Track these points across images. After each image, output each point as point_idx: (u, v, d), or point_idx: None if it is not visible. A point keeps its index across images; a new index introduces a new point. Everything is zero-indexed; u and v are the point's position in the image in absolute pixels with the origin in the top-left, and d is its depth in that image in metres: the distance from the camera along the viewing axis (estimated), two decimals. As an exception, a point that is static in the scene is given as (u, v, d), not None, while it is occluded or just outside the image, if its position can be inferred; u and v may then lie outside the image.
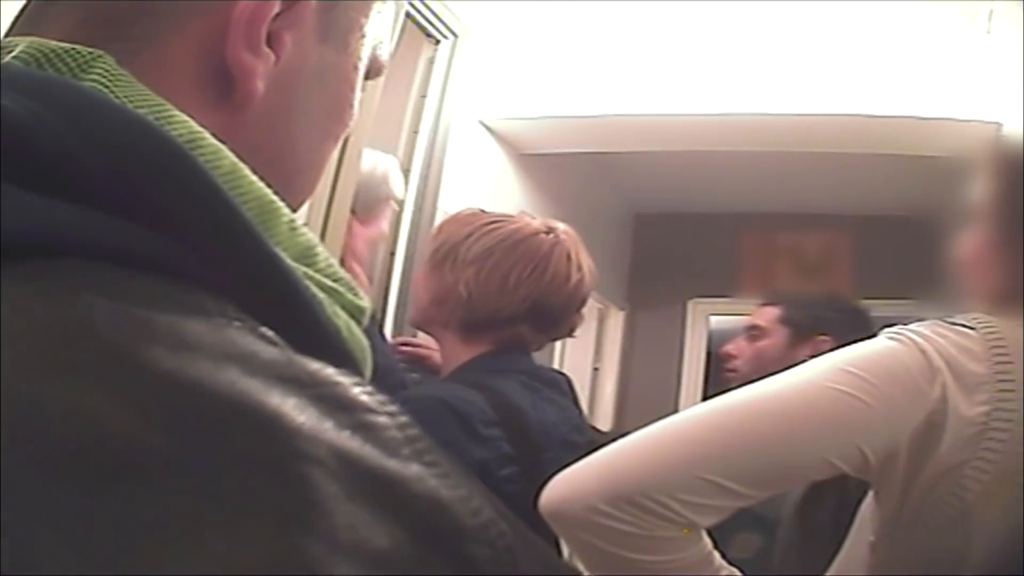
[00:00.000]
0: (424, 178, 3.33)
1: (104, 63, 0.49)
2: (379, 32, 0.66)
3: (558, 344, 4.78)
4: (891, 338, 1.18)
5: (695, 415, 1.17)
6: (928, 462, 1.11)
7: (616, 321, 6.06)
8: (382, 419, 0.36)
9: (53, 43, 0.50)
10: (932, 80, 3.59)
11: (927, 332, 1.16)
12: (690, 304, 6.13)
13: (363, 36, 0.64)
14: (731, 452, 1.12)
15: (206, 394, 0.32)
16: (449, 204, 3.46)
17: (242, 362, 0.35)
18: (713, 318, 6.21)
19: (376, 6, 0.65)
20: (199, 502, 0.29)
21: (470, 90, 3.60)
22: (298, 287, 0.44)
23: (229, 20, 0.53)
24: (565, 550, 1.31)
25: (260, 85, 0.55)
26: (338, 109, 0.64)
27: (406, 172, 3.24)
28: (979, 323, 1.17)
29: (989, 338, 1.14)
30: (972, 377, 1.11)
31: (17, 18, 0.56)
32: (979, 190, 1.26)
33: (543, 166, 4.58)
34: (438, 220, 3.30)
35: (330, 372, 0.37)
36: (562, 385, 1.96)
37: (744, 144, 4.20)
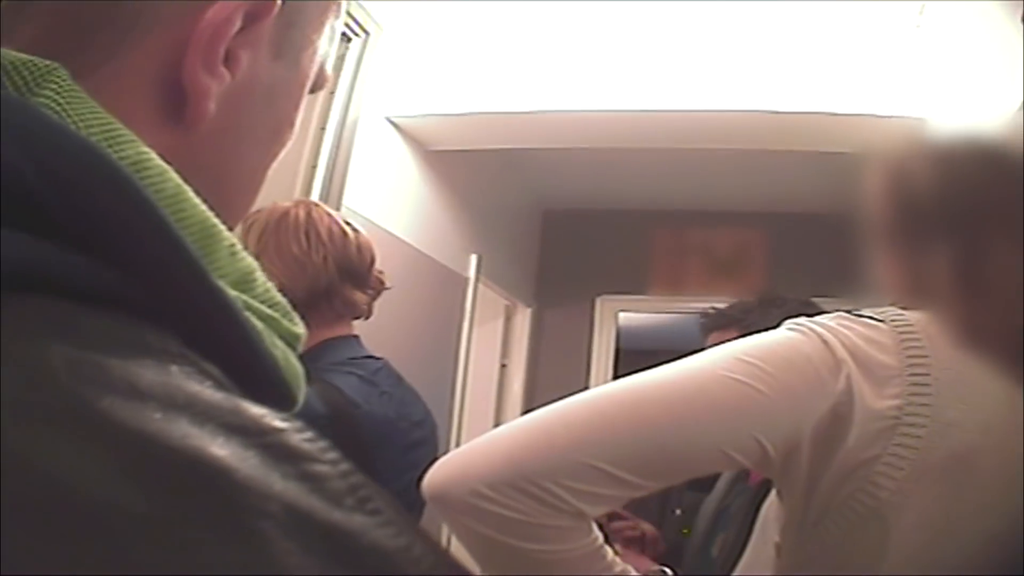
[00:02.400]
0: (330, 175, 3.35)
1: (58, 77, 0.50)
2: (326, 47, 0.67)
3: (463, 340, 4.84)
4: (792, 329, 1.16)
5: (585, 400, 1.14)
6: (834, 457, 1.09)
7: (523, 318, 6.09)
8: (324, 468, 0.37)
9: (13, 54, 0.50)
10: (857, 75, 3.63)
11: (831, 324, 1.15)
12: (599, 301, 6.16)
13: (314, 53, 0.65)
14: (620, 439, 1.09)
15: (160, 447, 0.33)
16: (355, 201, 3.49)
17: (190, 410, 0.35)
18: (622, 315, 6.26)
19: (327, 24, 0.66)
20: (160, 559, 0.29)
21: (378, 87, 3.60)
22: (239, 321, 0.46)
23: (191, 37, 0.54)
24: (445, 535, 1.30)
25: (212, 106, 0.55)
26: (281, 127, 0.65)
27: (312, 169, 3.27)
28: (889, 316, 1.16)
29: (900, 330, 1.13)
30: (881, 369, 1.10)
31: None
32: (914, 181, 1.22)
33: (450, 163, 4.58)
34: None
35: (273, 419, 0.38)
36: (403, 381, 2.06)
37: (656, 141, 4.22)
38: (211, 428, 0.35)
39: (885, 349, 1.11)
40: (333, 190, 3.36)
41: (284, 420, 0.38)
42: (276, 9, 0.58)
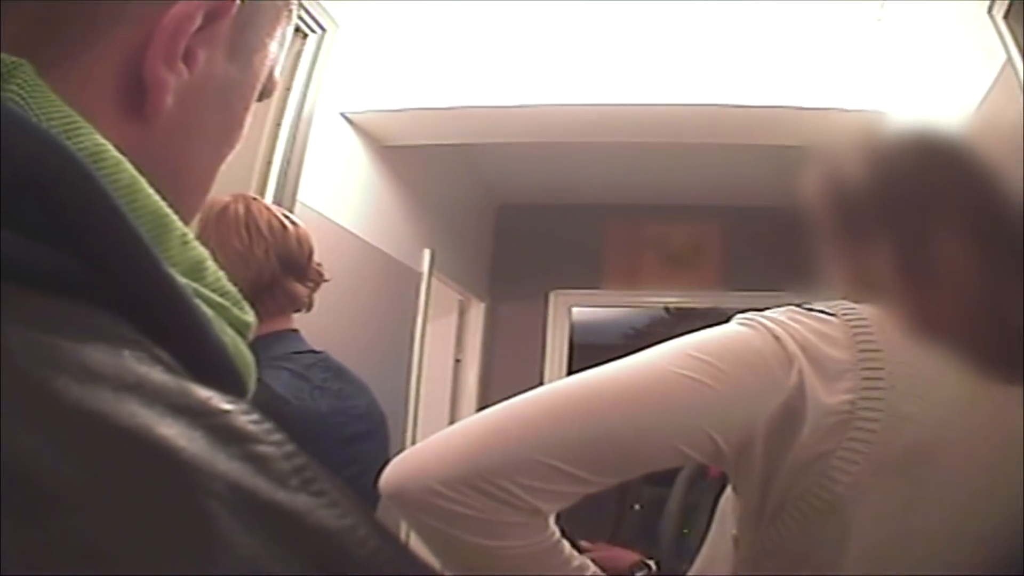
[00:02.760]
0: (284, 171, 3.34)
1: (23, 73, 0.51)
2: (276, 52, 0.69)
3: (417, 335, 4.83)
4: (742, 323, 1.18)
5: (537, 397, 1.15)
6: (789, 451, 1.09)
7: (478, 312, 6.10)
8: (269, 449, 0.38)
9: None
10: (810, 69, 3.65)
11: (781, 318, 1.16)
12: (552, 296, 6.19)
13: (265, 56, 0.67)
14: (571, 436, 1.10)
15: (109, 427, 0.34)
16: (309, 197, 3.49)
17: (139, 391, 0.36)
18: (576, 310, 6.29)
19: (280, 28, 0.68)
20: (113, 537, 0.30)
21: (333, 83, 3.61)
22: (189, 306, 0.46)
23: (153, 32, 0.55)
24: (404, 532, 1.31)
25: (169, 100, 0.57)
26: (232, 128, 0.67)
27: (268, 164, 3.27)
28: (840, 309, 1.16)
29: (852, 324, 1.13)
30: (833, 364, 1.10)
31: None
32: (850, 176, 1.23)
33: (405, 158, 4.58)
34: (298, 213, 3.34)
35: (219, 401, 0.39)
36: (344, 372, 2.08)
37: (610, 134, 4.24)
38: (159, 409, 0.36)
39: (837, 343, 1.12)
40: (288, 185, 3.35)
41: (230, 402, 0.39)
42: (234, 9, 0.59)
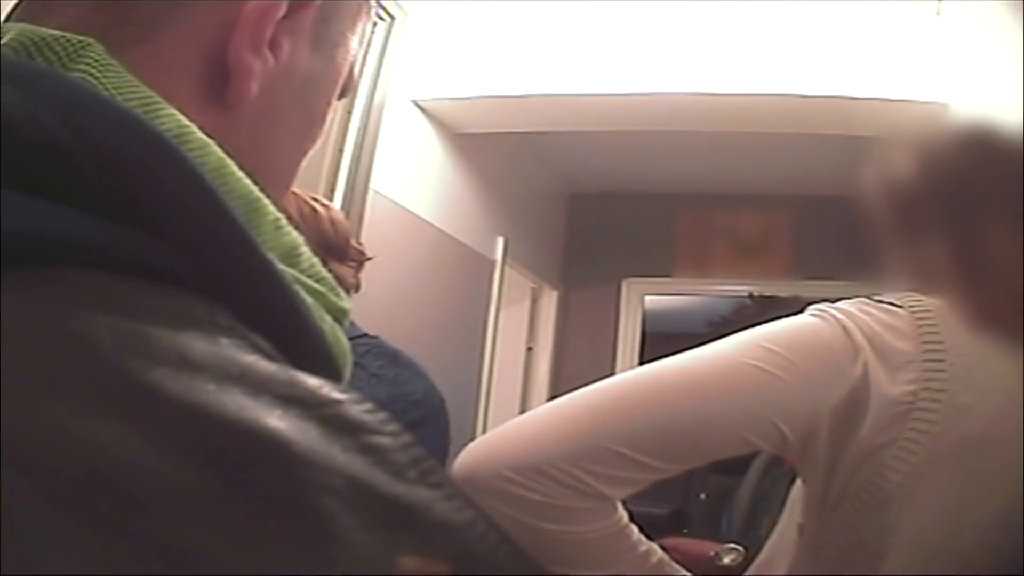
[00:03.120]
0: (356, 159, 3.36)
1: (93, 52, 0.49)
2: (357, 49, 0.67)
3: (490, 323, 4.85)
4: (813, 315, 1.17)
5: (606, 386, 1.16)
6: (851, 441, 1.10)
7: (550, 300, 6.10)
8: (385, 440, 0.36)
9: (43, 31, 0.50)
10: (879, 60, 3.62)
11: (851, 309, 1.16)
12: (625, 284, 6.17)
13: (347, 51, 0.65)
14: (640, 424, 1.11)
15: (214, 421, 0.32)
16: (382, 185, 3.52)
17: (244, 382, 0.34)
18: (648, 298, 6.27)
19: (361, 23, 0.67)
20: (217, 538, 0.29)
21: (404, 70, 3.61)
22: (290, 294, 0.44)
23: (238, 16, 0.54)
24: None
25: (254, 87, 0.56)
26: (314, 122, 0.65)
27: (339, 152, 3.29)
28: (908, 301, 1.15)
29: (918, 316, 1.13)
30: (897, 355, 1.10)
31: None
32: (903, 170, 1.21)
33: (477, 146, 4.59)
34: (370, 201, 3.38)
35: (330, 390, 0.37)
36: (400, 358, 2.04)
37: (681, 123, 4.22)
38: (267, 400, 0.34)
39: (902, 335, 1.12)
40: (360, 173, 3.38)
41: (342, 391, 0.38)
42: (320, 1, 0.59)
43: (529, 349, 5.94)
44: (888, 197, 1.20)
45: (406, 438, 0.37)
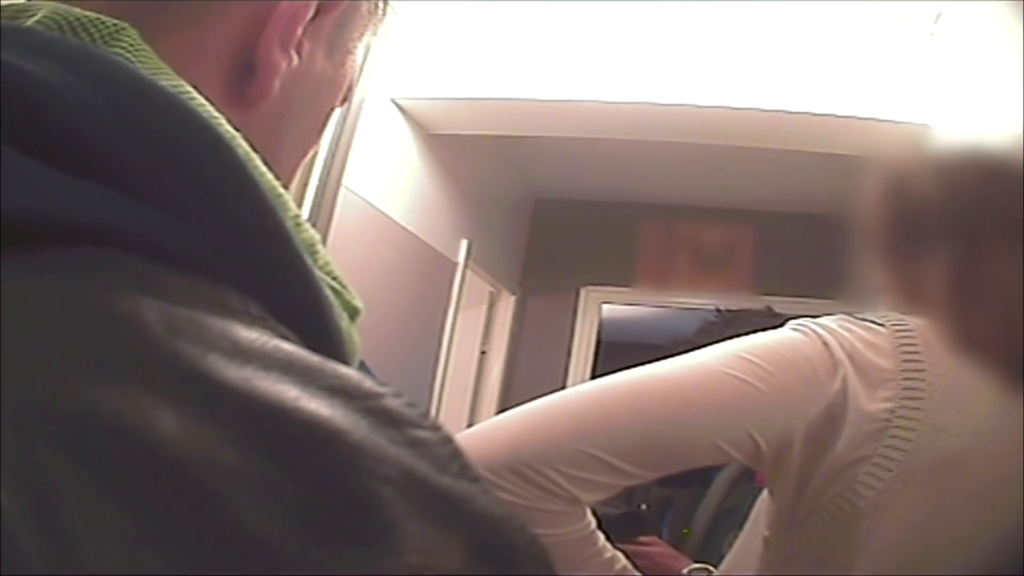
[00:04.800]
0: (332, 155, 3.35)
1: (128, 36, 0.50)
2: (359, 58, 0.69)
3: (448, 324, 4.84)
4: (794, 329, 1.19)
5: (585, 390, 1.19)
6: (825, 456, 1.11)
7: (507, 305, 6.09)
8: (427, 434, 0.37)
9: (76, 11, 0.50)
10: (862, 78, 3.62)
11: (832, 325, 1.18)
12: (583, 291, 6.17)
13: (354, 60, 0.67)
14: (616, 428, 1.12)
15: (272, 410, 0.33)
16: (354, 182, 3.50)
17: (292, 371, 0.35)
18: (606, 307, 6.27)
19: (369, 33, 0.69)
20: (275, 524, 0.29)
21: (387, 68, 3.61)
22: (317, 289, 0.46)
23: (271, 15, 0.56)
24: None
25: (277, 85, 0.57)
26: (318, 126, 0.68)
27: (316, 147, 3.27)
28: (890, 320, 1.17)
29: (899, 335, 1.15)
30: (877, 372, 1.12)
31: None
32: (914, 187, 1.27)
33: (450, 147, 4.58)
34: (341, 197, 3.36)
35: (371, 383, 0.38)
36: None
37: (652, 134, 4.22)
38: (315, 390, 0.35)
39: (883, 353, 1.14)
40: (334, 170, 3.36)
41: (381, 384, 0.38)
42: (344, 5, 0.61)
43: (483, 353, 5.92)
44: (896, 210, 1.24)
45: (444, 433, 0.38)
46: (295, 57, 0.58)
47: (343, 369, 0.38)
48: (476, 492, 0.36)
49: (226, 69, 0.56)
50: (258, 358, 0.35)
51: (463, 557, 0.33)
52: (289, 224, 0.50)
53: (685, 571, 2.40)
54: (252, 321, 0.38)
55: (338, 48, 0.65)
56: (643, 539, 2.55)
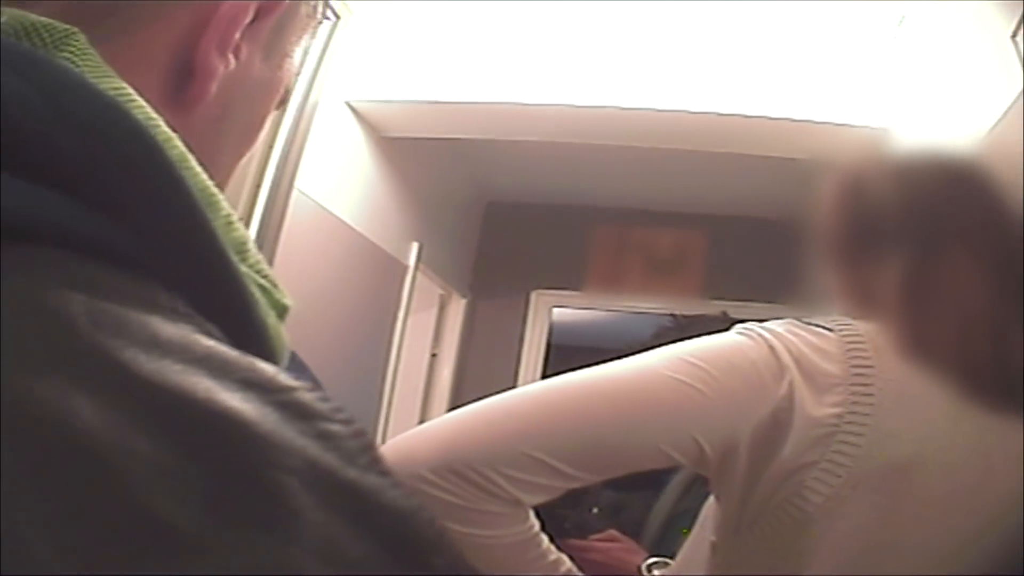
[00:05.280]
0: (284, 157, 3.33)
1: (77, 41, 0.51)
2: (296, 61, 0.70)
3: (398, 327, 4.85)
4: (740, 333, 1.19)
5: (528, 392, 1.19)
6: (772, 461, 1.11)
7: (457, 308, 6.11)
8: (338, 427, 0.38)
9: (32, 16, 0.51)
10: (816, 82, 3.64)
11: (779, 330, 1.17)
12: (534, 295, 6.19)
13: (291, 63, 0.68)
14: (559, 431, 1.12)
15: (184, 401, 0.34)
16: (306, 185, 3.50)
17: (208, 364, 0.36)
18: (556, 310, 6.29)
19: (306, 36, 0.70)
20: (183, 508, 0.30)
21: (341, 70, 3.60)
22: (242, 287, 0.47)
23: (210, 19, 0.56)
24: None
25: (214, 88, 0.58)
26: (255, 128, 0.68)
27: (269, 150, 3.26)
28: (838, 325, 1.17)
29: (847, 340, 1.15)
30: (824, 377, 1.12)
31: None
32: (871, 192, 1.25)
33: (402, 150, 4.59)
34: (293, 200, 3.35)
35: (285, 377, 0.39)
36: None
37: (603, 138, 4.23)
38: (229, 383, 0.36)
39: (830, 358, 1.13)
40: (287, 172, 3.35)
41: (295, 379, 0.39)
42: (281, 9, 0.62)
43: (434, 355, 5.93)
44: (852, 215, 1.27)
45: (356, 426, 0.39)
46: (232, 61, 0.59)
47: (259, 364, 0.39)
48: (384, 485, 0.37)
49: (166, 72, 0.57)
50: (175, 352, 0.36)
51: (367, 548, 0.34)
52: (220, 223, 0.52)
53: (643, 564, 2.41)
54: (178, 317, 0.39)
55: (275, 51, 0.65)
56: (599, 535, 2.56)
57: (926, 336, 1.15)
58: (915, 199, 1.21)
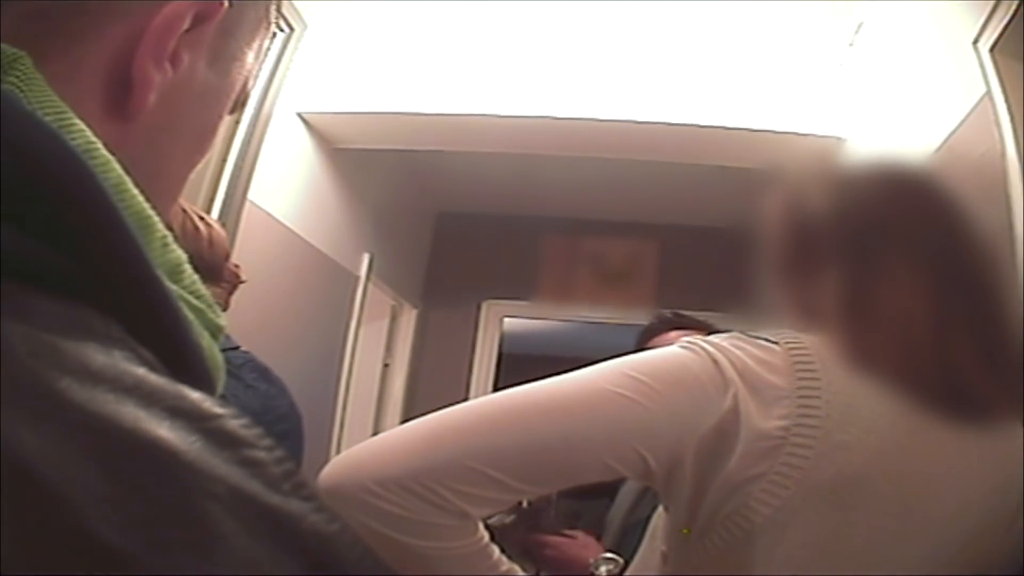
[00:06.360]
0: (237, 169, 3.34)
1: (22, 65, 0.51)
2: (252, 63, 0.69)
3: (350, 338, 4.88)
4: (683, 347, 1.19)
5: (474, 406, 1.19)
6: (719, 473, 1.11)
7: (409, 319, 6.14)
8: (262, 454, 0.39)
9: None
10: (772, 91, 3.68)
11: (723, 343, 1.18)
12: (485, 305, 6.25)
13: (243, 66, 0.67)
14: (504, 445, 1.12)
15: (113, 429, 0.34)
16: (259, 196, 3.50)
17: (137, 393, 0.37)
18: (507, 320, 6.35)
19: (259, 39, 0.69)
20: (119, 535, 0.30)
21: (293, 82, 3.62)
22: (175, 309, 0.47)
23: (145, 29, 0.56)
24: None
25: (152, 98, 0.57)
26: (206, 134, 0.67)
27: (222, 162, 3.27)
28: (784, 338, 1.17)
29: (793, 353, 1.15)
30: (770, 390, 1.12)
31: None
32: (811, 203, 1.28)
33: (353, 161, 4.61)
34: (246, 212, 3.35)
35: (212, 404, 0.40)
36: (270, 374, 2.08)
37: (555, 148, 4.27)
38: (157, 411, 0.36)
39: (776, 370, 1.14)
40: (240, 184, 3.36)
41: (220, 406, 0.40)
42: (222, 14, 0.61)
43: (386, 366, 5.96)
44: (789, 228, 1.29)
45: (279, 453, 0.40)
46: (170, 69, 0.59)
47: (186, 391, 0.40)
48: (307, 510, 0.38)
49: (104, 86, 0.57)
50: (106, 381, 0.36)
51: (288, 570, 0.35)
52: (155, 245, 0.53)
53: (592, 560, 2.44)
54: (111, 344, 0.40)
55: (222, 56, 0.65)
56: (564, 532, 2.56)
57: (868, 346, 1.16)
58: (852, 210, 1.24)
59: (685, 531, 1.17)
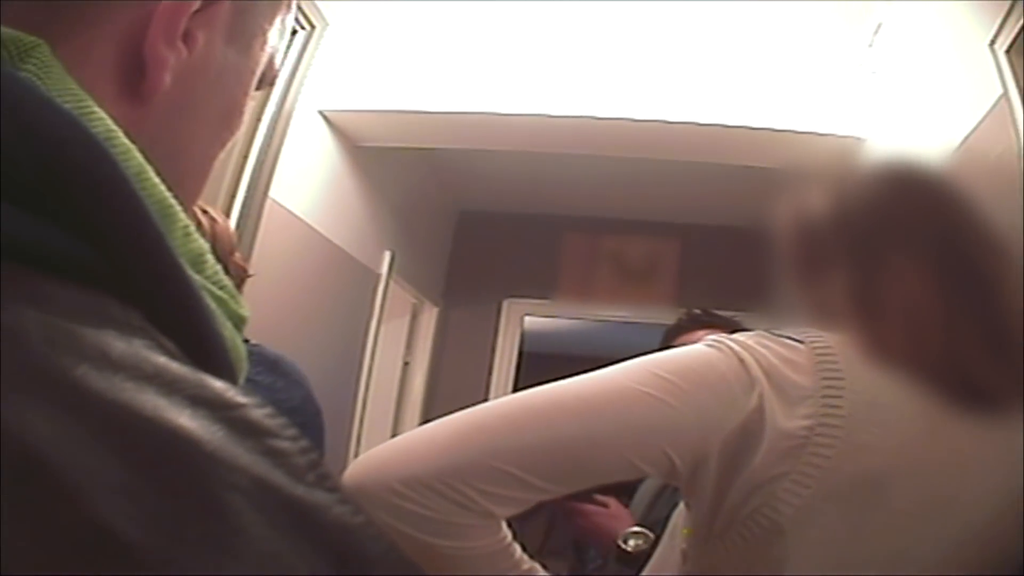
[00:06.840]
0: (259, 166, 3.34)
1: (41, 52, 0.51)
2: (276, 41, 0.69)
3: (371, 336, 4.88)
4: (709, 345, 1.19)
5: (499, 405, 1.19)
6: (742, 472, 1.11)
7: (430, 316, 6.13)
8: (286, 444, 0.38)
9: (6, 29, 0.51)
10: (793, 91, 3.66)
11: (748, 342, 1.18)
12: (506, 303, 6.23)
13: (265, 43, 0.67)
14: (529, 444, 1.12)
15: (132, 417, 0.34)
16: (280, 194, 3.51)
17: (158, 381, 0.36)
18: (528, 319, 6.32)
19: (280, 16, 0.69)
20: (137, 527, 0.30)
21: (316, 79, 3.62)
22: (197, 298, 0.46)
23: (155, 11, 0.56)
24: None
25: (167, 78, 0.57)
26: (231, 113, 0.67)
27: (244, 159, 3.28)
28: (808, 337, 1.17)
29: (817, 352, 1.15)
30: (795, 390, 1.12)
31: None
32: (817, 203, 1.28)
33: (375, 159, 4.61)
34: (267, 210, 3.37)
35: (235, 393, 0.39)
36: (280, 365, 2.07)
37: (576, 147, 4.27)
38: (178, 400, 0.36)
39: (801, 370, 1.14)
40: (261, 181, 3.37)
41: (244, 395, 0.40)
42: None
43: (406, 364, 5.95)
44: (797, 230, 1.29)
45: (303, 443, 0.39)
46: (183, 49, 0.58)
47: (208, 380, 0.39)
48: (331, 501, 0.37)
49: (117, 69, 0.57)
50: (126, 368, 0.36)
51: (312, 564, 0.34)
52: (177, 234, 0.53)
53: (622, 533, 2.44)
54: (132, 331, 0.39)
55: (240, 34, 0.64)
56: (598, 498, 2.54)
57: (880, 343, 1.16)
58: (855, 209, 1.24)
59: (685, 531, 1.19)
